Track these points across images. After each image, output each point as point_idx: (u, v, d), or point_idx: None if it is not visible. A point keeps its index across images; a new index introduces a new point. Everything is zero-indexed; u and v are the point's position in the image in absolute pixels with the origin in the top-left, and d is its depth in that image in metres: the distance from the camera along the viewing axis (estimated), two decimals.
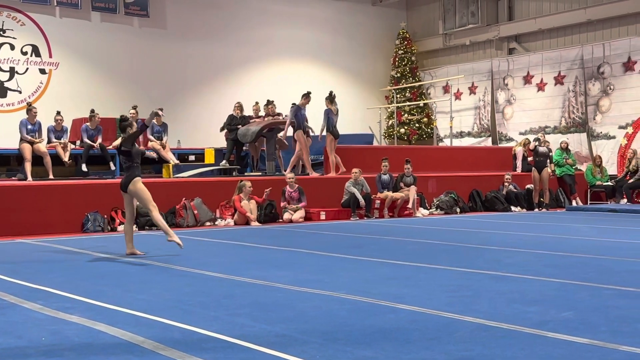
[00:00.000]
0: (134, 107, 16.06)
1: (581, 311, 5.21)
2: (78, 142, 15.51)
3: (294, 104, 15.63)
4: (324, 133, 15.64)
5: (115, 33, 19.77)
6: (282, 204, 14.32)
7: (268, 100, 17.19)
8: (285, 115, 17.23)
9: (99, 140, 15.18)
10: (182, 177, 14.98)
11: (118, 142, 15.96)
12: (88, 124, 15.24)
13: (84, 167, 14.76)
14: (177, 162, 16.04)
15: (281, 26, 22.36)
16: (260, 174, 16.15)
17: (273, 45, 22.17)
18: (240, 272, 7.29)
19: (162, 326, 4.90)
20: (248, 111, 16.94)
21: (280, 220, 14.29)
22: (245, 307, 5.49)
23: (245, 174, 16.22)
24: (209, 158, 17.35)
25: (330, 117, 15.67)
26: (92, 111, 15.32)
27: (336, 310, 5.32)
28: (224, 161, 16.33)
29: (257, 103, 17.18)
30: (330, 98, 15.85)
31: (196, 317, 5.13)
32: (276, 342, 4.42)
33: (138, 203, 9.27)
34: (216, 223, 13.52)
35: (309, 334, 4.60)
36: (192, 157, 17.86)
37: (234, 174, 15.97)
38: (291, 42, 22.51)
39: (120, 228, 12.22)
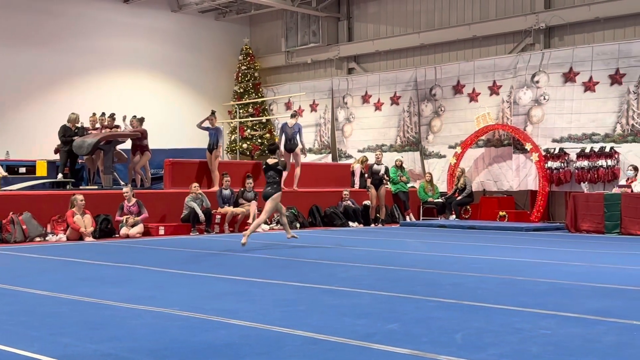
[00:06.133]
0: None
1: (406, 323, 5.43)
2: None
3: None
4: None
5: None
6: (117, 218, 13.92)
7: (103, 113, 16.68)
8: (125, 128, 16.83)
9: None
10: (11, 190, 14.21)
11: None
12: None
13: None
14: (5, 174, 15.21)
15: (122, 37, 21.82)
16: (96, 187, 15.63)
17: (113, 56, 21.59)
18: (69, 289, 7.01)
19: None
20: (85, 122, 16.39)
21: (117, 235, 13.89)
22: (71, 326, 5.27)
23: (80, 187, 15.64)
24: (41, 170, 16.57)
25: (285, 131, 17.16)
26: None
27: (167, 327, 5.23)
28: (60, 174, 15.67)
29: (94, 114, 16.64)
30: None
31: (16, 338, 4.86)
32: None
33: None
34: (47, 238, 12.94)
35: (136, 352, 4.49)
36: (22, 169, 16.97)
37: (67, 187, 15.35)
38: (132, 53, 22.02)
39: None
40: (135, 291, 7.02)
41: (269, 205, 11.65)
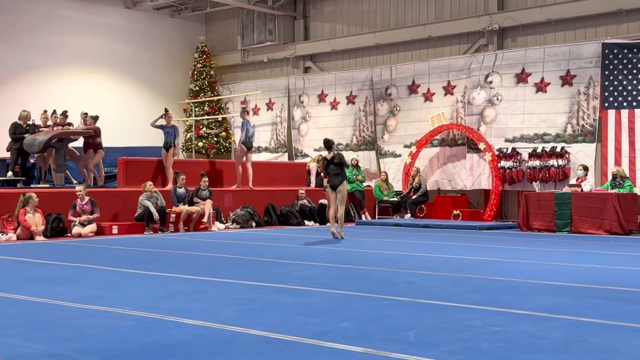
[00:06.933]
0: None
1: (359, 321, 5.45)
2: None
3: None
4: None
5: None
6: (69, 217, 13.72)
7: (55, 110, 16.38)
8: (78, 126, 16.59)
9: None
10: None
11: None
12: None
13: None
14: None
15: (74, 33, 21.48)
16: (48, 186, 15.37)
17: (66, 53, 21.24)
18: (18, 290, 6.88)
19: None
20: (36, 120, 16.09)
21: (69, 234, 13.68)
22: (19, 327, 5.18)
23: (32, 186, 15.37)
24: None
25: (247, 129, 17.06)
26: None
27: (118, 327, 5.17)
28: (10, 172, 15.38)
29: (45, 111, 16.35)
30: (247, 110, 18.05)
31: None
32: None
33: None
34: None
35: (86, 353, 4.43)
36: None
37: (18, 185, 15.07)
38: (85, 50, 21.69)
39: None
40: (86, 291, 6.93)
41: (339, 195, 12.84)
